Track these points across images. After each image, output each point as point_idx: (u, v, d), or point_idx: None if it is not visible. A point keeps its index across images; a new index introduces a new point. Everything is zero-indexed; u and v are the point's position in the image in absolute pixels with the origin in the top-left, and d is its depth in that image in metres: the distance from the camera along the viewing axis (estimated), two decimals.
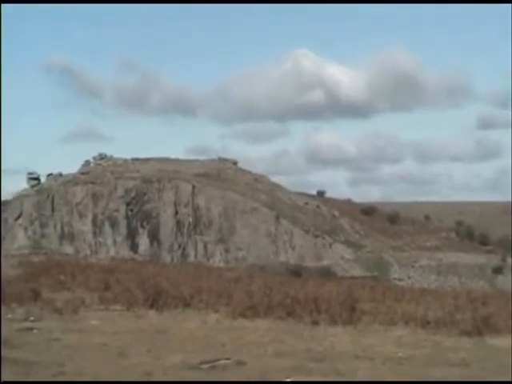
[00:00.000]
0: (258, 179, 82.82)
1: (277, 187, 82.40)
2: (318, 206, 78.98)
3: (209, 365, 14.88)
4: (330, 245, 68.77)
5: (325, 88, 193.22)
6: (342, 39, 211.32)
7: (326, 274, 53.77)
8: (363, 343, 17.80)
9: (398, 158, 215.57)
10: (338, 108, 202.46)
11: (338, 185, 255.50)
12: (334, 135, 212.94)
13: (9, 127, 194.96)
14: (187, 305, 24.54)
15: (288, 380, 12.63)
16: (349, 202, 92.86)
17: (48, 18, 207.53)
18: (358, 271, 60.78)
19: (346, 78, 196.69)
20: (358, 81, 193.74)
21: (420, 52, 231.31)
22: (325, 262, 63.99)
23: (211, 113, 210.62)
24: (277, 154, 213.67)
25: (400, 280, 58.46)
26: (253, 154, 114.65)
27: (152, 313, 23.22)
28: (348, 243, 69.62)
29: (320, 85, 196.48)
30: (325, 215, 77.30)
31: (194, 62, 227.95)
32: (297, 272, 52.35)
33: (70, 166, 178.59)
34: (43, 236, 71.76)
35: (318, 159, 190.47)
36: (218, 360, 15.25)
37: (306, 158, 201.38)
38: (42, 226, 72.54)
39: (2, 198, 78.02)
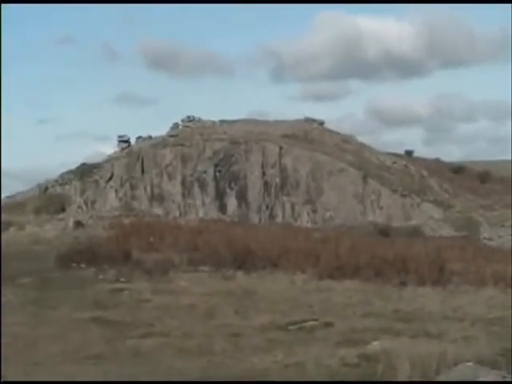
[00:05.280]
0: (346, 139, 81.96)
1: (364, 147, 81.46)
2: (405, 166, 77.80)
3: (296, 326, 14.84)
4: (419, 205, 67.76)
5: (373, 44, 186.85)
6: None
7: (415, 234, 52.97)
8: (452, 304, 17.54)
9: (472, 117, 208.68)
10: (391, 65, 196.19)
11: (415, 145, 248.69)
12: (400, 94, 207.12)
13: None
14: (275, 265, 24.56)
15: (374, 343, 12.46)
16: (437, 161, 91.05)
17: None
18: (447, 231, 59.73)
19: (391, 31, 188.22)
20: (406, 34, 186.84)
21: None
22: (413, 222, 63.10)
23: (263, 75, 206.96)
24: (344, 115, 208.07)
25: (490, 239, 57.19)
26: (318, 115, 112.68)
27: (240, 274, 23.32)
28: (437, 203, 68.44)
29: (368, 41, 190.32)
30: (413, 175, 76.14)
31: (230, 26, 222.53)
32: (385, 232, 51.75)
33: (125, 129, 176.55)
34: (133, 198, 72.62)
35: (388, 119, 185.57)
36: (305, 321, 15.20)
37: (376, 118, 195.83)
38: (132, 187, 73.38)
39: (94, 161, 79.35)
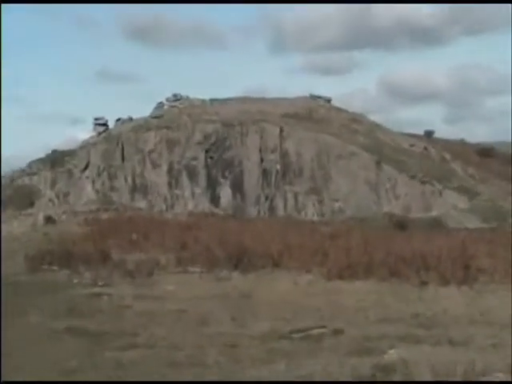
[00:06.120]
0: (356, 119, 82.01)
1: (377, 128, 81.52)
2: (425, 148, 77.90)
3: (301, 334, 14.85)
4: (440, 192, 67.91)
5: (386, 9, 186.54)
6: None
7: (436, 226, 53.12)
8: (480, 306, 17.57)
9: (501, 90, 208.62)
10: (406, 32, 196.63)
11: (435, 124, 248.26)
12: (417, 66, 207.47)
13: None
14: (276, 264, 24.60)
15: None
16: (461, 142, 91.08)
17: None
18: (473, 222, 59.80)
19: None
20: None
21: None
22: (434, 213, 63.26)
23: (260, 46, 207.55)
24: (353, 90, 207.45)
25: None
26: (324, 91, 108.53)
27: (235, 274, 23.37)
28: (461, 190, 68.58)
29: (379, 6, 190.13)
30: (434, 158, 76.26)
31: None
32: (402, 225, 51.89)
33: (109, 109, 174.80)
34: (112, 189, 72.75)
35: (404, 95, 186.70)
36: (311, 328, 15.22)
37: (390, 93, 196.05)
38: (111, 177, 73.49)
39: (67, 147, 79.42)
